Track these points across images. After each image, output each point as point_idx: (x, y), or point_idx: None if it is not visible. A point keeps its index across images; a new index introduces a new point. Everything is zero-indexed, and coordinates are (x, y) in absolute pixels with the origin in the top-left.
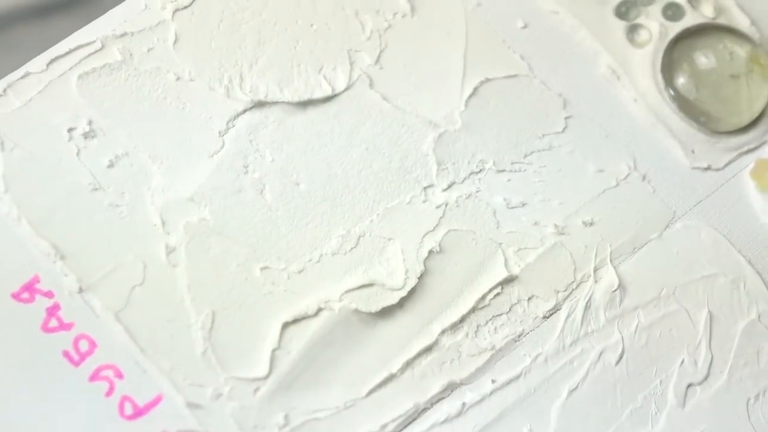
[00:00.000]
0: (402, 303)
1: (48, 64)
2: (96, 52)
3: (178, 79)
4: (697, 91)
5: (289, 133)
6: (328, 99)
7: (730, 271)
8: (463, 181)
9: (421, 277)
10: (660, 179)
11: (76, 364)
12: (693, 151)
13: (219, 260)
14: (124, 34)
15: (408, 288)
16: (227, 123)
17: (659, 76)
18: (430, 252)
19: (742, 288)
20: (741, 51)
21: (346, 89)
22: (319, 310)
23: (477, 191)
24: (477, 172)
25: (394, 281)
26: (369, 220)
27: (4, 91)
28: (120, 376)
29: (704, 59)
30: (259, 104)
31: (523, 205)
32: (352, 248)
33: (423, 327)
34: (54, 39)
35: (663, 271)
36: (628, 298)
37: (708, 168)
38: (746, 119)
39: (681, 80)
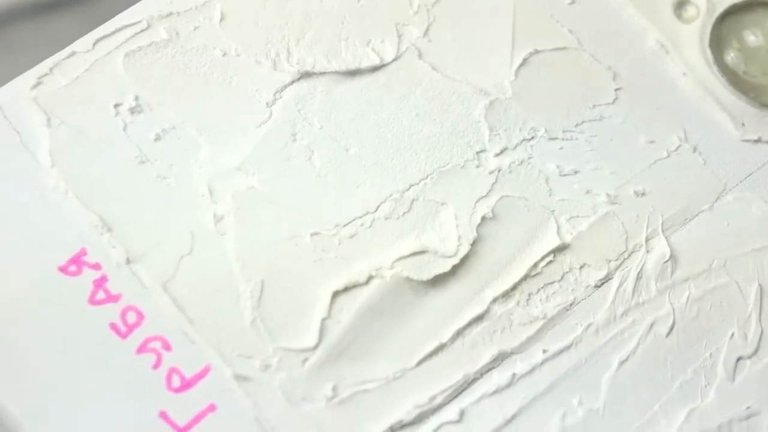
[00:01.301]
0: (454, 270)
1: (94, 44)
2: (142, 31)
3: (224, 55)
4: (746, 67)
5: (338, 102)
6: (376, 69)
7: None
8: (515, 148)
9: (473, 244)
10: (710, 151)
11: (124, 336)
12: (743, 124)
13: (268, 227)
14: (170, 14)
15: (461, 255)
16: (274, 94)
17: (708, 51)
18: (483, 218)
19: None
20: None
21: (395, 60)
22: (370, 278)
23: (529, 158)
24: (529, 139)
25: (446, 248)
26: (422, 183)
27: (51, 70)
28: (168, 347)
29: (753, 37)
30: (307, 75)
31: (576, 173)
32: (405, 212)
33: (474, 295)
34: (55, 38)
35: (714, 243)
36: (679, 269)
37: (758, 140)
38: None
39: (730, 55)
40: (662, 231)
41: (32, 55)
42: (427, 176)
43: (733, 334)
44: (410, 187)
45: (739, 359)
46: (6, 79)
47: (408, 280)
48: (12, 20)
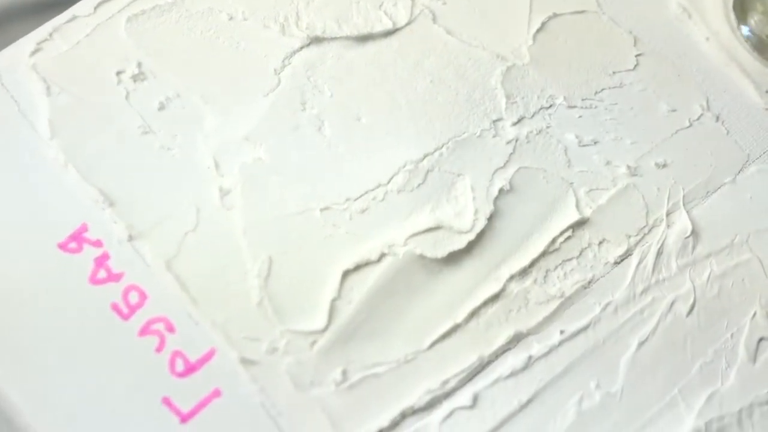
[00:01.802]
0: (469, 247)
1: (96, 8)
2: None
3: (231, 18)
4: None
5: (349, 68)
6: (389, 33)
7: None
8: (533, 117)
9: (490, 219)
10: (733, 120)
11: (126, 317)
12: (767, 92)
13: (276, 201)
14: None
15: (477, 230)
16: (283, 61)
17: (731, 15)
18: (500, 191)
19: None
20: None
21: (408, 24)
22: (382, 255)
23: (547, 127)
24: (547, 108)
25: (462, 222)
26: (438, 153)
27: (51, 35)
28: (171, 329)
29: None
30: (317, 40)
31: (595, 143)
32: (419, 184)
33: (490, 272)
34: None
35: (736, 218)
36: (701, 244)
37: None
38: None
39: (754, 19)
40: (683, 204)
41: None
42: (443, 146)
43: (755, 314)
44: (425, 157)
45: (761, 340)
46: None
47: (421, 257)
48: (12, 20)
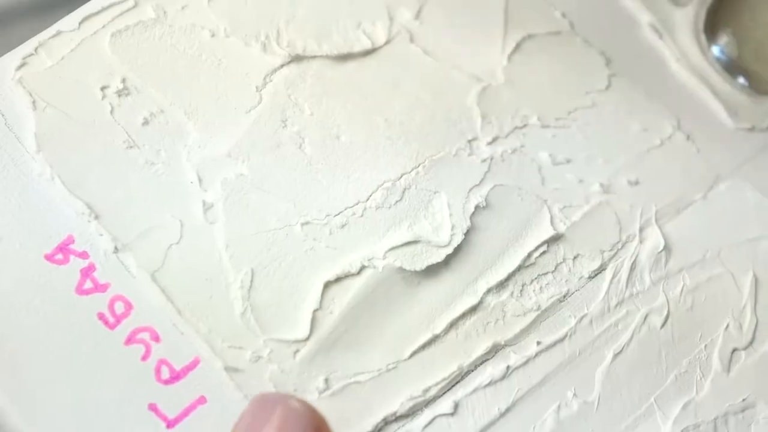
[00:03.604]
0: (447, 261)
1: (80, 23)
2: (129, 10)
3: (213, 35)
4: (740, 51)
5: (328, 87)
6: (367, 53)
7: None
8: (507, 136)
9: (467, 234)
10: (704, 139)
11: (112, 326)
12: (736, 112)
13: (258, 216)
14: None
15: (454, 245)
16: (264, 78)
17: (702, 36)
18: (477, 207)
19: None
20: None
21: (386, 44)
22: (362, 268)
23: (521, 146)
24: (521, 127)
25: (439, 237)
26: (414, 172)
27: (36, 49)
28: (156, 339)
29: (746, 22)
30: (297, 59)
31: (568, 161)
32: (396, 201)
33: (467, 286)
34: None
35: (708, 233)
36: (673, 259)
37: (752, 129)
38: None
39: (724, 39)
40: (656, 221)
41: None
42: (419, 165)
43: (728, 325)
44: (402, 175)
45: (734, 351)
46: None
47: (401, 270)
48: (12, 20)
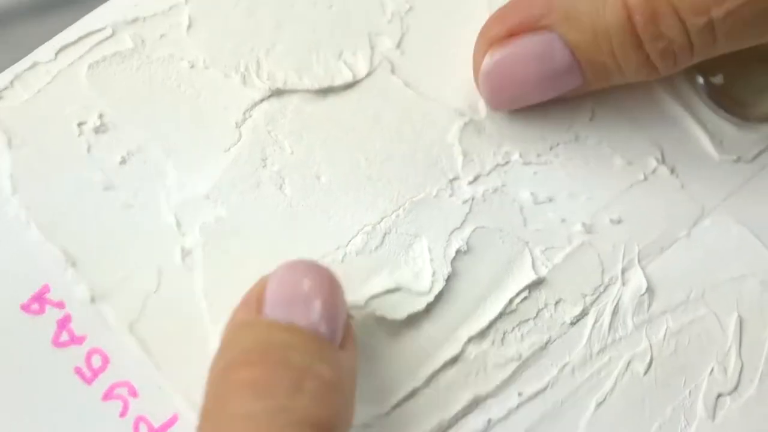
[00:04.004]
0: (428, 309)
1: (57, 53)
2: (106, 39)
3: (192, 66)
4: (726, 78)
5: (309, 123)
6: (348, 86)
7: (759, 272)
8: (489, 174)
9: (448, 280)
10: (688, 172)
11: (89, 381)
12: (722, 143)
13: (237, 263)
14: (135, 20)
15: (435, 292)
16: (244, 113)
17: None
18: (458, 252)
19: None
20: None
21: (368, 75)
22: None
23: (503, 185)
24: (503, 165)
25: (420, 284)
26: (395, 214)
27: (11, 83)
28: (134, 394)
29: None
30: (277, 92)
31: (550, 200)
32: (377, 246)
33: (449, 335)
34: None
35: (691, 272)
36: (656, 302)
37: (737, 160)
38: None
39: (710, 67)
40: (638, 261)
41: None
42: (400, 207)
43: (712, 370)
44: (382, 219)
45: (719, 396)
46: None
47: (381, 319)
48: (12, 20)
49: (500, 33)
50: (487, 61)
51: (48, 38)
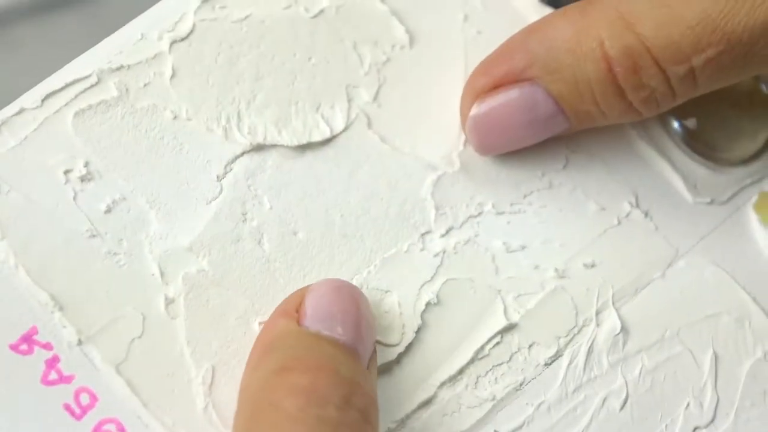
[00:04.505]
0: (399, 359)
1: (43, 100)
2: (92, 86)
3: (175, 117)
4: (699, 122)
5: (287, 178)
6: (326, 142)
7: (734, 310)
8: (461, 226)
9: (417, 332)
10: (662, 216)
11: (78, 417)
12: (695, 186)
13: (218, 313)
14: (120, 67)
15: (405, 344)
16: (225, 167)
17: None
18: (428, 304)
19: (747, 326)
20: (742, 83)
21: (344, 130)
22: None
23: (476, 236)
24: (476, 216)
25: (391, 337)
26: (366, 271)
27: None
28: (122, 430)
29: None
30: (258, 147)
31: (523, 248)
32: None
33: (421, 382)
34: (55, 38)
35: (666, 312)
36: (631, 341)
37: (711, 202)
38: (750, 150)
39: (683, 112)
40: (613, 303)
41: (32, 55)
42: (372, 264)
43: (688, 404)
44: (354, 276)
45: (695, 429)
46: (6, 78)
47: None
48: (12, 20)
49: (486, 85)
50: (474, 111)
51: (47, 38)
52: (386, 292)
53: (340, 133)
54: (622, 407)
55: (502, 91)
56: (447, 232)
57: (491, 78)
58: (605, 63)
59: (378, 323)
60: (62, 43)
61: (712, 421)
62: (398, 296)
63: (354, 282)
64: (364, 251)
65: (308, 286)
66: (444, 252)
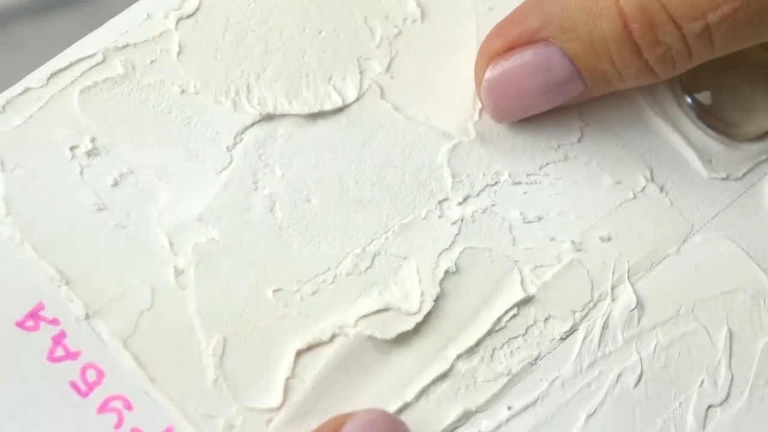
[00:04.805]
0: (417, 328)
1: (48, 79)
2: (97, 65)
3: (182, 92)
4: (714, 98)
5: (299, 147)
6: (338, 111)
7: (749, 286)
8: (478, 195)
9: (436, 300)
10: (677, 191)
11: (84, 395)
12: (710, 161)
13: (229, 282)
14: (126, 46)
15: (424, 312)
16: (235, 137)
17: (675, 83)
18: (446, 272)
19: (762, 304)
20: (756, 56)
21: (357, 100)
22: (334, 336)
23: (493, 205)
24: (492, 185)
25: (409, 305)
26: (384, 237)
27: (3, 107)
28: (129, 407)
29: (721, 67)
30: (268, 117)
31: (540, 219)
32: (367, 268)
33: (438, 352)
34: (55, 38)
35: (681, 288)
36: (646, 317)
37: (726, 178)
38: (765, 126)
39: (697, 87)
40: (628, 278)
41: (32, 55)
42: (389, 229)
43: (702, 382)
44: (372, 241)
45: (709, 407)
46: (6, 78)
47: (371, 338)
48: (12, 20)
49: (500, 47)
50: (489, 75)
51: (47, 38)
52: (404, 258)
53: (353, 102)
54: (636, 384)
55: (516, 52)
56: (464, 200)
57: (506, 40)
58: (621, 20)
59: (397, 291)
60: (62, 43)
61: (726, 399)
62: (417, 263)
63: (372, 247)
64: (380, 217)
65: (346, 415)
66: (462, 220)
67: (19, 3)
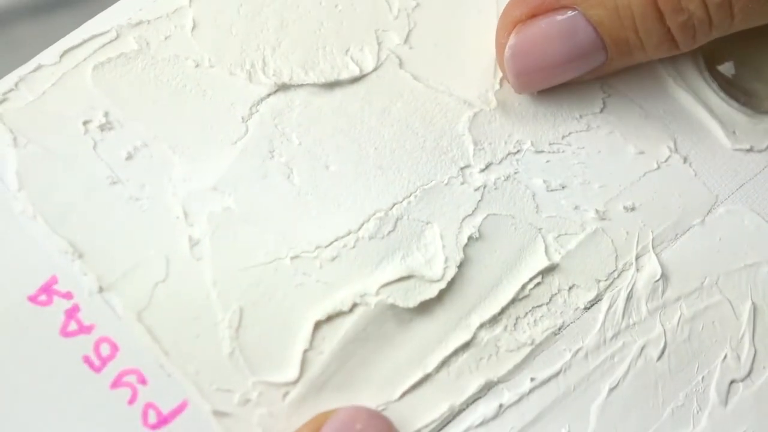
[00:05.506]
0: (440, 296)
1: (61, 56)
2: (111, 42)
3: (197, 66)
4: (737, 70)
5: (316, 116)
6: (356, 80)
7: None
8: (500, 162)
9: (460, 267)
10: (701, 162)
11: (98, 370)
12: (734, 132)
13: (246, 251)
14: (139, 23)
15: (447, 279)
16: (250, 108)
17: (698, 55)
18: (470, 238)
19: None
20: None
21: (375, 69)
22: (354, 305)
23: (515, 173)
24: (515, 153)
25: (432, 271)
26: (406, 201)
27: (16, 84)
28: (143, 381)
29: (743, 40)
30: (284, 87)
31: (563, 188)
32: (389, 231)
33: (460, 321)
34: (57, 37)
35: (706, 259)
36: (671, 288)
37: (750, 150)
38: None
39: (721, 58)
40: (653, 248)
41: (32, 55)
42: (411, 194)
43: (725, 356)
44: (394, 205)
45: (732, 382)
46: None
47: (393, 307)
48: (12, 20)
49: (523, 14)
50: (512, 42)
51: (48, 38)
52: (427, 223)
53: (371, 72)
54: (659, 357)
55: (540, 19)
56: (486, 167)
57: (528, 7)
58: None
59: (420, 256)
60: None
61: (749, 374)
62: (440, 228)
63: (394, 211)
64: (401, 182)
65: (327, 413)
66: (484, 187)
67: (19, 3)
